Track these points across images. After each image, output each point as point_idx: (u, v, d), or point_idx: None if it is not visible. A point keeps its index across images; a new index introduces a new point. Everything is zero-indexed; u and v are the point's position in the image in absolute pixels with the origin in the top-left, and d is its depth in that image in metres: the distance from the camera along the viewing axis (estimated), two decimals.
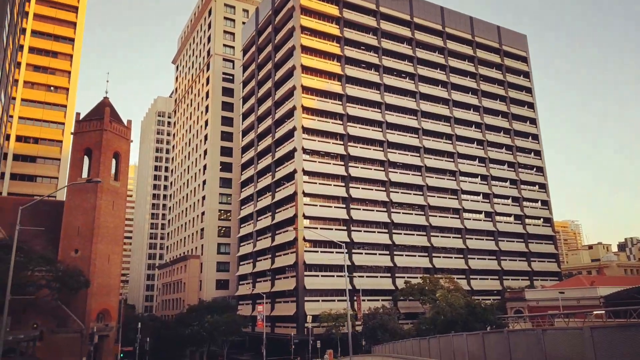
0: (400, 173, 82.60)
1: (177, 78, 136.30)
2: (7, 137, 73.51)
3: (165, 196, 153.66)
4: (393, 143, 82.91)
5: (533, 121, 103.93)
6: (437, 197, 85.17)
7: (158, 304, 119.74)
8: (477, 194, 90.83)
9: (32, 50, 79.13)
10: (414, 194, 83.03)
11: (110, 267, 61.59)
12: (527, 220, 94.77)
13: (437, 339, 20.78)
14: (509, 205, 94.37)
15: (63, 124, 77.97)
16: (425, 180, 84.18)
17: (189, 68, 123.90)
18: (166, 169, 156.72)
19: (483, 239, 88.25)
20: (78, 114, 64.62)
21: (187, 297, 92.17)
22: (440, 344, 19.75)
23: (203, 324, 70.07)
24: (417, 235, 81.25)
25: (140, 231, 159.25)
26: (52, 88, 79.58)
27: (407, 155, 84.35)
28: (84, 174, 61.99)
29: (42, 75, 79.43)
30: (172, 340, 75.64)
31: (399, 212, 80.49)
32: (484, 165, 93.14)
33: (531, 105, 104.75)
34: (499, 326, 52.17)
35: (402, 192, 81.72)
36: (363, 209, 77.21)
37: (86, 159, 63.25)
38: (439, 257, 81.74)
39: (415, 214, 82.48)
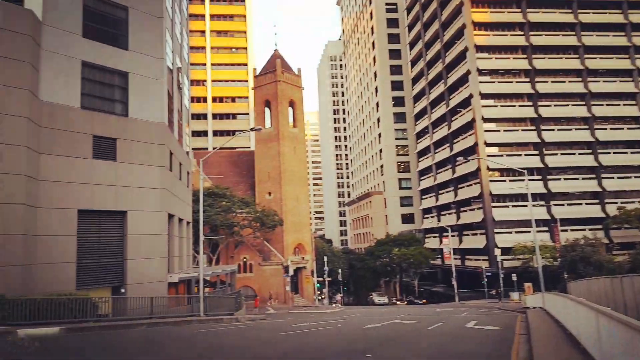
0: (603, 82, 68.87)
1: (342, 19, 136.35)
2: (205, 100, 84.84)
3: (346, 137, 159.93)
4: (590, 47, 68.98)
5: None
6: None
7: (351, 238, 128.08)
8: None
9: (212, 17, 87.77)
10: (623, 104, 68.78)
11: (300, 206, 67.37)
12: None
13: (630, 279, 16.45)
14: None
15: (247, 81, 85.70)
16: (639, 85, 68.68)
17: (352, 6, 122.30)
18: (344, 111, 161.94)
19: None
20: (254, 70, 69.99)
21: (375, 230, 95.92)
22: (635, 285, 15.55)
23: (391, 256, 72.88)
24: (630, 153, 67.85)
25: (329, 172, 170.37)
26: (233, 49, 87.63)
27: (612, 58, 69.46)
28: (267, 124, 67.77)
29: (223, 39, 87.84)
30: (364, 271, 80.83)
31: (605, 128, 67.91)
32: None
33: None
34: None
35: (607, 104, 68.44)
36: (558, 129, 67.38)
37: (267, 111, 68.86)
38: None
39: (628, 128, 68.56)
